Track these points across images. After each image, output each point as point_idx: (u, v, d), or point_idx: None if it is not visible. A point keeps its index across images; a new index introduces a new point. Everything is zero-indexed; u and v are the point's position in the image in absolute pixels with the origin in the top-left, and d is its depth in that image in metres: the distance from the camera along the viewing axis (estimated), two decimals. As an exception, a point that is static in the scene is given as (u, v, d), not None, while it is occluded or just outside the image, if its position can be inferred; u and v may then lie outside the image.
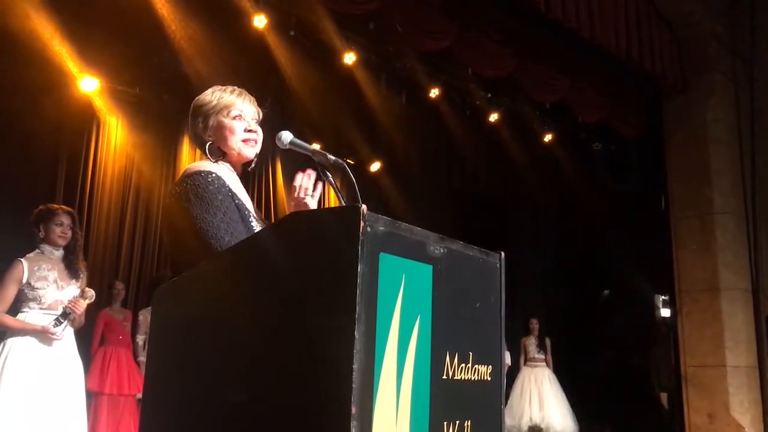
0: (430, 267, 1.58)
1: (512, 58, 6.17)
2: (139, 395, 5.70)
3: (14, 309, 3.71)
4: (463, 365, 1.67)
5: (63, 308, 3.68)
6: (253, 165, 2.10)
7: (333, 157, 1.92)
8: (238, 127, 2.02)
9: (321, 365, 1.40)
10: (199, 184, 1.85)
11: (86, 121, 6.68)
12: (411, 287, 1.50)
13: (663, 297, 8.81)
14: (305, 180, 2.04)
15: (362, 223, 1.39)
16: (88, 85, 6.22)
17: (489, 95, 7.31)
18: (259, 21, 5.57)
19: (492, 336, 1.83)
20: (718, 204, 6.78)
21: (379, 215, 1.44)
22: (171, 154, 7.39)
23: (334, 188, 2.00)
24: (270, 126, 2.12)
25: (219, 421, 1.52)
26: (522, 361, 8.21)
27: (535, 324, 8.22)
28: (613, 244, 8.42)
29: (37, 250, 3.81)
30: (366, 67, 6.42)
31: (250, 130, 2.04)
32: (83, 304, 3.72)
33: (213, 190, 1.85)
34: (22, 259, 3.73)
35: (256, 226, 1.91)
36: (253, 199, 2.08)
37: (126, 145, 6.97)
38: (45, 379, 3.59)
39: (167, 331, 1.70)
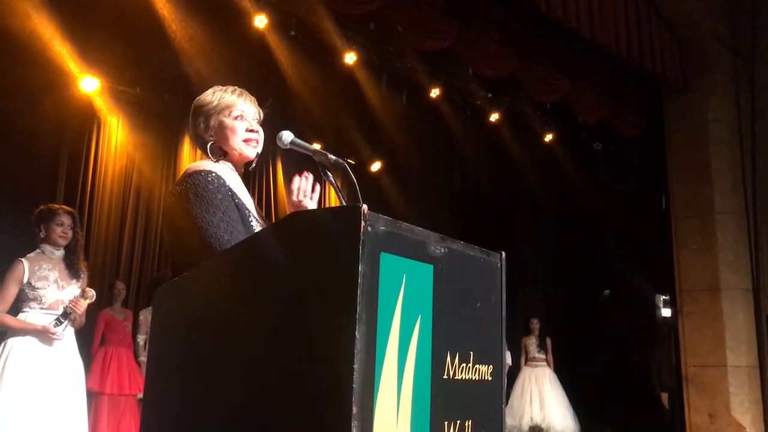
0: (431, 267, 1.58)
1: (513, 58, 6.17)
2: (140, 395, 5.70)
3: (15, 309, 3.71)
4: (464, 365, 1.67)
5: (63, 308, 3.68)
6: (254, 165, 2.11)
7: (333, 157, 1.92)
8: (239, 127, 2.03)
9: (321, 365, 1.40)
10: (199, 184, 1.85)
11: (87, 121, 6.68)
12: (412, 287, 1.50)
13: (664, 297, 8.80)
14: (303, 182, 2.04)
15: (363, 223, 1.39)
16: (89, 85, 6.22)
17: (489, 95, 7.31)
18: (260, 21, 5.57)
19: (493, 336, 1.83)
20: (718, 204, 6.78)
21: (380, 215, 1.44)
22: (171, 154, 7.39)
23: (334, 188, 2.00)
24: (270, 126, 2.12)
25: (219, 421, 1.52)
26: (523, 360, 8.21)
27: (535, 324, 8.22)
28: (614, 244, 8.41)
29: (38, 250, 3.81)
30: (366, 67, 6.42)
31: (251, 130, 2.04)
32: (84, 304, 3.72)
33: (213, 189, 1.85)
34: (22, 259, 3.73)
35: (256, 226, 1.91)
36: (253, 199, 2.08)
37: (126, 145, 6.97)
38: (45, 379, 3.59)
39: (168, 331, 1.70)
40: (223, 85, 2.10)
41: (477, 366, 1.72)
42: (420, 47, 5.97)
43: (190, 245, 1.81)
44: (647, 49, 6.44)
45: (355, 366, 1.34)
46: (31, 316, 3.68)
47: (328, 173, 1.96)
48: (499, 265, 1.86)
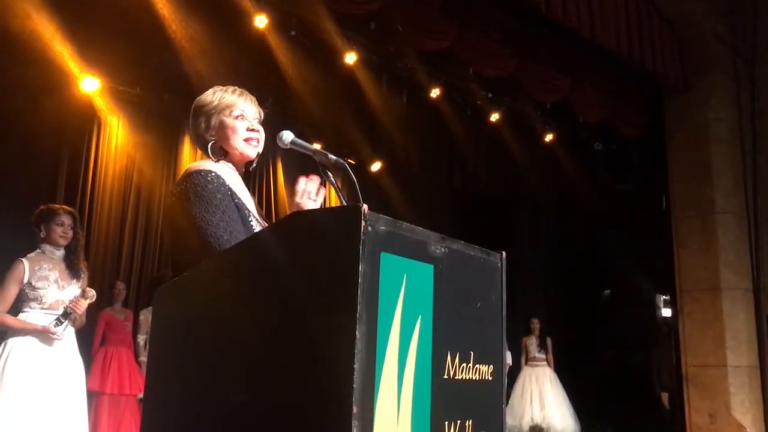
0: (432, 267, 1.58)
1: (513, 58, 6.17)
2: (141, 395, 5.70)
3: (15, 309, 3.71)
4: (465, 365, 1.67)
5: (64, 308, 3.68)
6: (254, 165, 2.11)
7: (334, 157, 1.92)
8: (240, 126, 2.03)
9: (322, 365, 1.39)
10: (199, 183, 1.85)
11: (87, 121, 6.68)
12: (412, 287, 1.50)
13: (664, 297, 8.80)
14: (309, 184, 2.02)
15: (363, 223, 1.39)
16: (89, 85, 6.22)
17: (490, 95, 7.30)
18: (260, 21, 5.56)
19: (493, 336, 1.83)
20: (719, 204, 6.78)
21: (380, 215, 1.44)
22: (172, 154, 7.39)
23: (335, 188, 2.00)
24: (271, 126, 2.12)
25: (219, 421, 1.52)
26: (523, 360, 8.21)
27: (536, 324, 8.22)
28: (615, 244, 8.41)
29: (38, 250, 3.82)
30: (367, 67, 6.42)
31: (252, 129, 2.05)
32: (84, 304, 3.72)
33: (212, 189, 1.85)
34: (23, 259, 3.73)
35: (256, 226, 1.91)
36: (254, 199, 2.08)
37: (127, 145, 6.97)
38: (46, 379, 3.60)
39: (168, 331, 1.70)
40: (224, 85, 2.11)
41: (477, 366, 1.72)
42: (420, 47, 5.97)
43: (190, 245, 1.81)
44: (648, 49, 6.44)
45: (356, 366, 1.33)
46: (32, 316, 3.68)
47: (329, 173, 1.96)
48: (499, 264, 1.86)
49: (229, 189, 1.90)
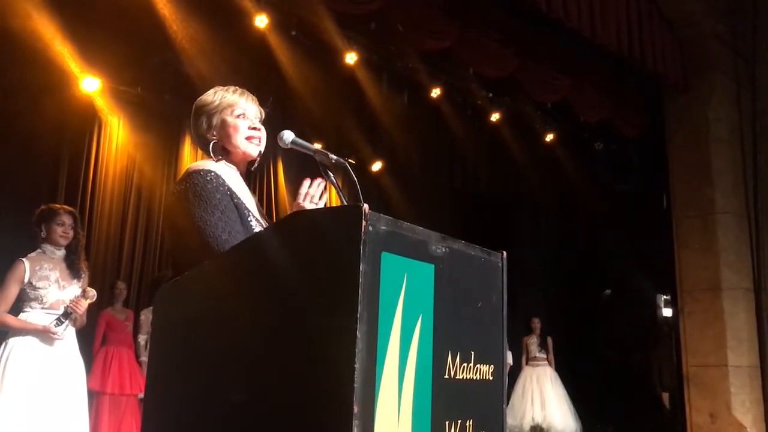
0: (432, 266, 1.58)
1: (513, 58, 6.17)
2: (141, 395, 5.70)
3: (16, 309, 3.71)
4: (465, 365, 1.67)
5: (64, 308, 3.69)
6: (256, 164, 2.11)
7: (334, 157, 1.93)
8: (242, 125, 2.03)
9: (322, 365, 1.40)
10: (198, 183, 1.86)
11: (88, 121, 6.68)
12: (413, 286, 1.50)
13: (665, 297, 8.80)
14: (313, 188, 2.02)
15: (364, 223, 1.39)
16: (90, 85, 6.22)
17: (490, 95, 7.30)
18: (261, 21, 5.57)
19: (494, 335, 1.83)
20: (719, 204, 6.77)
21: (381, 214, 1.44)
22: (172, 154, 7.39)
23: (335, 188, 2.00)
24: (271, 126, 2.12)
25: (219, 421, 1.52)
26: (524, 360, 8.21)
27: (536, 323, 8.21)
28: (615, 244, 8.41)
29: (39, 250, 3.82)
30: (367, 67, 6.41)
31: (254, 128, 2.05)
32: (85, 304, 3.72)
33: (211, 188, 1.85)
34: (23, 259, 3.73)
35: (256, 226, 1.91)
36: (255, 199, 2.08)
37: (127, 145, 6.97)
38: (46, 379, 3.60)
39: (168, 331, 1.70)
40: (224, 85, 2.11)
41: (478, 366, 1.72)
42: (421, 47, 5.97)
43: (190, 245, 1.81)
44: (648, 48, 6.44)
45: (356, 365, 1.34)
46: (32, 315, 3.68)
47: (329, 173, 1.97)
48: (500, 264, 1.86)
49: (229, 189, 1.90)
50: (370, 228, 1.40)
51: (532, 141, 8.03)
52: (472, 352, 1.70)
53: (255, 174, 6.75)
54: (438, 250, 1.60)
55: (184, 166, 6.95)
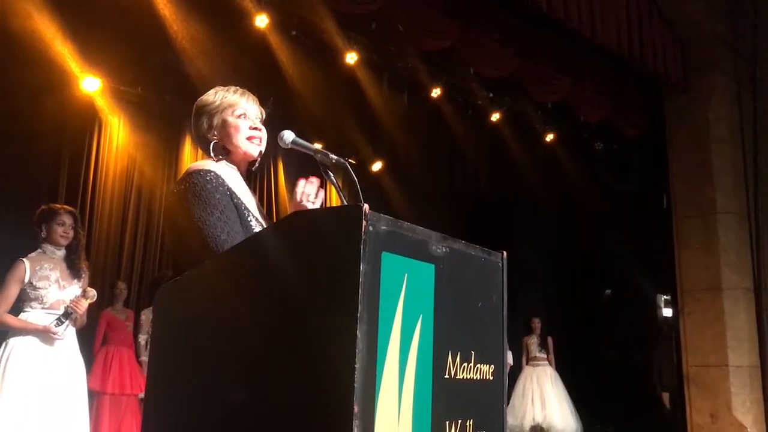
0: (432, 266, 1.58)
1: (513, 58, 6.17)
2: (142, 395, 5.70)
3: (16, 308, 3.72)
4: (466, 364, 1.67)
5: (65, 308, 3.69)
6: (257, 165, 2.11)
7: (335, 157, 1.93)
8: (242, 125, 2.04)
9: (322, 365, 1.40)
10: (197, 183, 1.86)
11: (88, 121, 6.69)
12: (413, 286, 1.50)
13: (665, 296, 8.80)
14: (308, 186, 2.04)
15: (364, 223, 1.39)
16: (90, 85, 6.23)
17: (490, 95, 7.30)
18: (261, 21, 5.57)
19: (494, 335, 1.83)
20: (720, 203, 6.77)
21: (381, 214, 1.44)
22: (173, 154, 7.39)
23: (336, 187, 2.00)
24: (272, 126, 2.13)
25: (219, 421, 1.52)
26: (524, 360, 8.21)
27: (537, 323, 8.21)
28: (615, 244, 8.41)
29: (39, 250, 3.82)
30: (368, 67, 6.42)
31: (255, 128, 2.05)
32: (85, 304, 3.73)
33: (210, 188, 1.86)
34: (24, 259, 3.74)
35: (256, 226, 1.92)
36: (255, 199, 2.08)
37: (128, 145, 6.98)
38: (47, 379, 3.60)
39: (168, 330, 1.70)
40: (225, 85, 2.12)
41: (478, 365, 1.72)
42: (421, 47, 5.97)
43: (190, 245, 1.82)
44: (648, 48, 6.44)
45: (357, 365, 1.34)
46: (33, 315, 3.69)
47: (329, 173, 1.97)
48: (500, 264, 1.86)
49: (229, 189, 1.90)
50: (371, 228, 1.40)
51: (532, 141, 8.03)
52: (473, 352, 1.70)
53: (255, 174, 6.76)
54: (438, 250, 1.60)
55: (184, 166, 6.96)
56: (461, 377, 1.65)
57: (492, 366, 1.78)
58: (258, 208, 2.05)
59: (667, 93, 7.23)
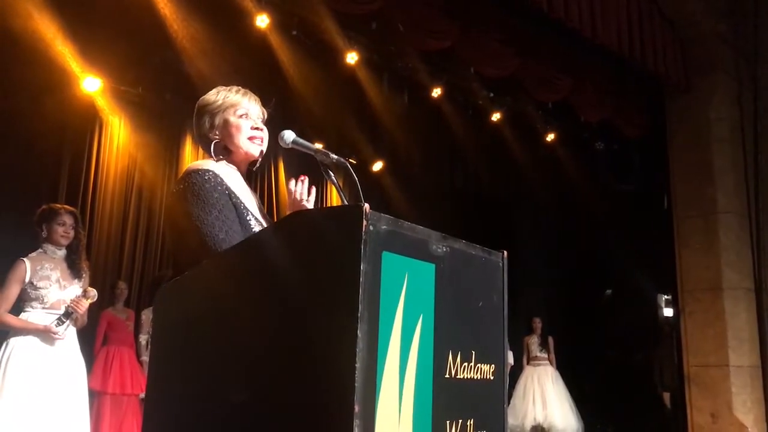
0: (433, 266, 1.58)
1: (514, 58, 6.17)
2: (142, 395, 5.70)
3: (17, 308, 3.72)
4: (466, 364, 1.67)
5: (65, 308, 3.69)
6: (257, 165, 2.12)
7: (335, 157, 1.93)
8: (244, 125, 2.04)
9: (323, 364, 1.39)
10: (196, 183, 1.86)
11: (89, 121, 6.69)
12: (413, 286, 1.50)
13: (666, 296, 8.79)
14: (299, 186, 2.09)
15: (365, 222, 1.39)
16: (91, 85, 6.23)
17: (491, 95, 7.30)
18: (262, 21, 5.57)
19: (495, 335, 1.82)
20: (721, 203, 6.77)
21: (382, 214, 1.44)
22: (173, 154, 7.39)
23: (336, 187, 2.00)
24: (272, 125, 2.13)
25: (219, 421, 1.52)
26: (525, 360, 8.21)
27: (538, 323, 8.21)
28: (616, 244, 8.40)
29: (40, 250, 3.82)
30: (368, 67, 6.42)
31: (256, 128, 2.05)
32: (85, 304, 3.73)
33: (209, 188, 1.86)
34: (24, 259, 3.74)
35: (255, 225, 1.92)
36: (255, 198, 2.09)
37: (128, 144, 6.98)
38: (47, 379, 3.60)
39: (168, 330, 1.70)
40: (226, 84, 2.12)
41: (479, 365, 1.71)
42: (421, 47, 5.97)
43: (189, 244, 1.82)
44: (649, 48, 6.43)
45: (357, 365, 1.33)
46: (33, 315, 3.69)
47: (330, 172, 1.97)
48: (500, 264, 1.86)
49: (227, 188, 1.90)
50: (371, 227, 1.40)
51: (532, 141, 8.03)
52: (473, 352, 1.70)
53: (256, 174, 6.76)
54: (439, 250, 1.60)
55: (185, 166, 6.95)
56: (462, 377, 1.65)
57: (492, 366, 1.78)
58: (259, 207, 2.05)
59: (667, 93, 7.22)
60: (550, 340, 8.21)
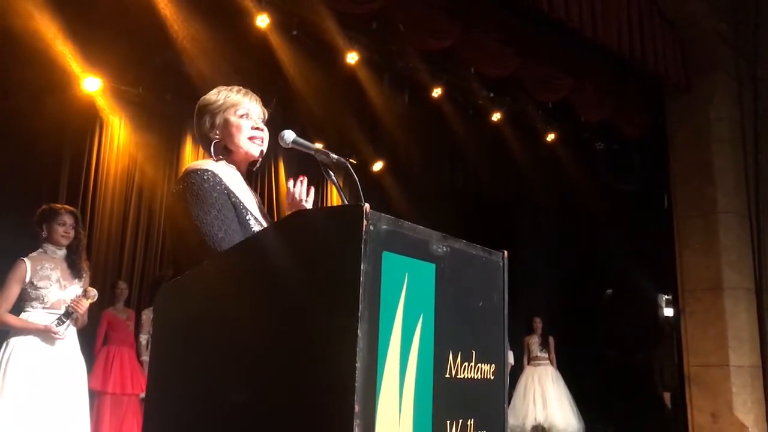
0: (433, 266, 1.58)
1: (514, 58, 6.17)
2: (143, 395, 5.70)
3: (17, 308, 3.72)
4: (466, 364, 1.67)
5: (66, 307, 3.69)
6: (257, 165, 2.12)
7: (335, 156, 1.93)
8: (245, 125, 2.04)
9: (323, 364, 1.39)
10: (194, 182, 1.87)
11: (89, 121, 6.69)
12: (414, 286, 1.50)
13: (666, 296, 8.79)
14: (298, 186, 2.10)
15: (365, 222, 1.39)
16: (91, 84, 6.23)
17: (491, 95, 7.30)
18: (262, 21, 5.57)
19: (495, 335, 1.82)
20: (721, 203, 6.77)
21: (382, 214, 1.44)
22: (174, 154, 7.40)
23: (336, 187, 2.01)
24: (272, 125, 2.13)
25: (219, 421, 1.52)
26: (525, 360, 8.20)
27: (538, 323, 8.21)
28: (616, 244, 8.40)
29: (40, 250, 3.82)
30: (368, 67, 6.41)
31: (256, 128, 2.05)
32: (86, 304, 3.73)
33: (208, 187, 1.86)
34: (25, 259, 3.74)
35: (254, 225, 1.92)
36: (256, 198, 2.09)
37: (129, 144, 6.98)
38: (47, 379, 3.60)
39: (168, 330, 1.70)
40: (226, 84, 2.12)
41: (479, 365, 1.71)
42: (422, 47, 5.97)
43: (189, 244, 1.82)
44: (649, 48, 6.43)
45: (358, 364, 1.33)
46: (34, 315, 3.69)
47: (330, 172, 1.97)
48: (501, 264, 1.86)
49: (226, 188, 1.90)
50: (371, 227, 1.40)
51: (533, 141, 8.03)
52: (474, 352, 1.70)
53: (256, 174, 6.77)
54: (439, 250, 1.60)
55: (185, 165, 6.89)
56: (462, 377, 1.65)
57: (493, 365, 1.77)
58: (259, 207, 2.06)
59: (668, 93, 7.22)
60: (551, 340, 8.20)
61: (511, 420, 7.52)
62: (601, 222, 8.53)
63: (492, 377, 1.77)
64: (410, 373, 1.48)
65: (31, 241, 3.86)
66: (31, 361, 3.59)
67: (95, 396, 5.55)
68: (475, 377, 1.70)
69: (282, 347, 1.46)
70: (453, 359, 1.62)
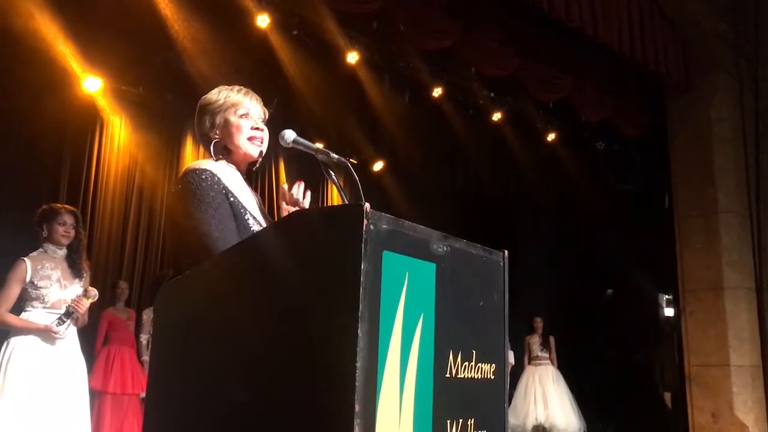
0: (434, 265, 1.57)
1: (515, 57, 6.17)
2: (143, 394, 5.71)
3: (17, 308, 3.72)
4: (467, 364, 1.66)
5: (66, 307, 3.69)
6: (257, 165, 2.12)
7: (336, 156, 1.93)
8: (245, 125, 2.04)
9: (323, 364, 1.39)
10: (193, 182, 1.87)
11: (90, 120, 6.69)
12: (414, 285, 1.50)
13: (667, 296, 8.78)
14: (295, 188, 2.11)
15: (365, 221, 1.38)
16: (92, 84, 6.23)
17: (492, 94, 7.30)
18: (262, 20, 5.57)
19: (495, 334, 1.82)
20: (722, 203, 6.77)
21: (383, 213, 1.44)
22: (174, 154, 7.40)
23: (337, 187, 2.01)
24: (273, 125, 2.13)
25: (219, 421, 1.52)
26: (526, 359, 8.20)
27: (539, 323, 8.21)
28: (617, 244, 8.40)
29: (41, 250, 3.82)
30: (369, 67, 6.42)
31: (256, 128, 2.05)
32: (86, 303, 3.73)
33: (205, 187, 1.86)
34: (25, 259, 3.74)
35: (253, 225, 1.92)
36: (256, 198, 2.09)
37: (129, 144, 6.98)
38: (48, 378, 3.60)
39: (169, 330, 1.70)
40: (226, 84, 2.12)
41: (480, 365, 1.71)
42: (422, 47, 5.97)
43: (188, 243, 1.83)
44: (650, 48, 6.43)
45: (358, 364, 1.33)
46: (34, 315, 3.69)
47: (331, 172, 1.97)
48: (501, 263, 1.86)
49: (224, 187, 1.90)
50: (372, 227, 1.40)
51: (533, 140, 8.03)
52: (474, 351, 1.69)
53: (256, 174, 6.77)
54: (439, 249, 1.60)
55: (185, 165, 6.92)
56: (462, 376, 1.65)
57: (493, 365, 1.77)
58: (259, 207, 2.06)
59: (668, 92, 7.22)
60: (552, 339, 8.20)
61: (512, 420, 7.52)
62: (601, 222, 8.53)
63: (492, 377, 1.77)
64: (410, 373, 1.47)
65: (32, 241, 3.86)
66: (32, 360, 3.59)
67: (96, 396, 5.55)
68: (476, 377, 1.70)
69: (282, 347, 1.46)
70: (453, 359, 1.62)
